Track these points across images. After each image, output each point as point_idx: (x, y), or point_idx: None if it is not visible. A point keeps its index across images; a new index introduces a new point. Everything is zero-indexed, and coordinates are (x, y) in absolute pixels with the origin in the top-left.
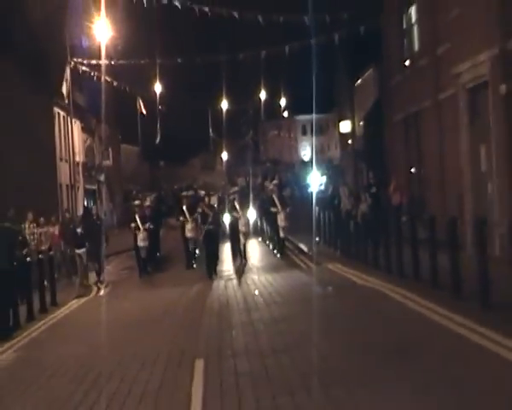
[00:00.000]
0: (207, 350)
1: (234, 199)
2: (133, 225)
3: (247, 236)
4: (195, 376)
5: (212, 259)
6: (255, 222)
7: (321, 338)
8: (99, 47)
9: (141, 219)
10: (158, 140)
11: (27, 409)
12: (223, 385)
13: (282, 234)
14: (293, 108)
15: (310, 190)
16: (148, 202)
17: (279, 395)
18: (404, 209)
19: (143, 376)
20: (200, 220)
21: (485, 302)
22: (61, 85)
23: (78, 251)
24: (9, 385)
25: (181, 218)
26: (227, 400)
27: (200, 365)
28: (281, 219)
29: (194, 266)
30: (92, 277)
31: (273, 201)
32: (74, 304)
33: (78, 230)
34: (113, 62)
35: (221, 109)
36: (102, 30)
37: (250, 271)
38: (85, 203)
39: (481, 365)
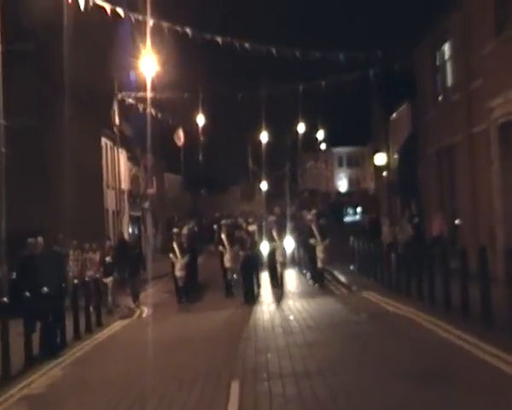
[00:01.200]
0: (243, 372)
1: (271, 228)
2: (171, 255)
3: (284, 265)
4: (231, 397)
5: (250, 285)
6: (292, 251)
7: (353, 363)
8: (145, 80)
9: (179, 247)
10: (202, 170)
11: None
12: (257, 407)
13: (320, 264)
14: (330, 140)
15: (345, 219)
16: (185, 230)
17: None
18: (443, 240)
19: (182, 395)
20: (238, 247)
21: None
22: (109, 117)
23: (104, 280)
24: (56, 400)
25: (220, 247)
26: None
27: (235, 386)
28: (319, 251)
29: (234, 292)
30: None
31: (312, 231)
32: (117, 325)
33: (107, 258)
34: (157, 96)
35: (260, 141)
36: (148, 64)
37: (286, 297)
38: (123, 232)
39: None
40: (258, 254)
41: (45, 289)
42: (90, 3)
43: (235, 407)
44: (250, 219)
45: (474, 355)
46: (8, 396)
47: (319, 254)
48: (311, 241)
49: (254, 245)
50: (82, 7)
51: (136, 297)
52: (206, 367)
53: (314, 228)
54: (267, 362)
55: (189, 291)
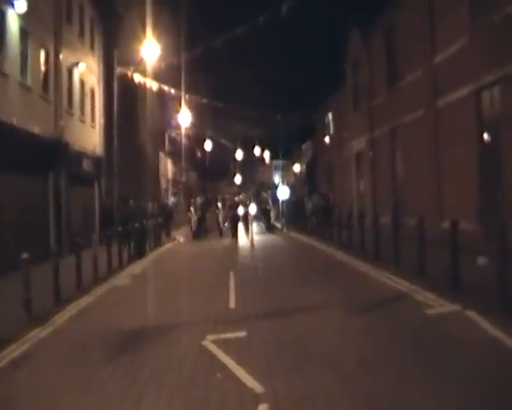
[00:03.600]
0: (234, 267)
1: (245, 200)
2: (189, 214)
3: (251, 220)
4: (230, 277)
5: (235, 229)
6: (256, 213)
7: (279, 263)
8: (180, 125)
9: (194, 209)
10: (207, 170)
11: (160, 284)
12: (242, 281)
13: (272, 219)
14: (272, 157)
15: (279, 197)
16: (198, 200)
17: (258, 279)
18: (332, 206)
19: (206, 276)
20: (227, 209)
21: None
22: (163, 142)
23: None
24: (145, 275)
25: (216, 210)
26: (244, 286)
27: (232, 273)
28: (272, 213)
29: (223, 234)
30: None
31: (267, 202)
32: (168, 245)
33: (155, 212)
34: (188, 132)
35: (235, 157)
36: (183, 117)
37: (252, 235)
38: (166, 199)
39: None
40: (238, 214)
41: (136, 225)
42: (157, 87)
43: (232, 281)
44: (227, 196)
45: (339, 259)
46: (120, 274)
47: (272, 214)
48: (267, 207)
49: (235, 209)
50: (154, 88)
51: (168, 233)
52: (215, 265)
53: (269, 201)
54: (244, 262)
55: (198, 233)
